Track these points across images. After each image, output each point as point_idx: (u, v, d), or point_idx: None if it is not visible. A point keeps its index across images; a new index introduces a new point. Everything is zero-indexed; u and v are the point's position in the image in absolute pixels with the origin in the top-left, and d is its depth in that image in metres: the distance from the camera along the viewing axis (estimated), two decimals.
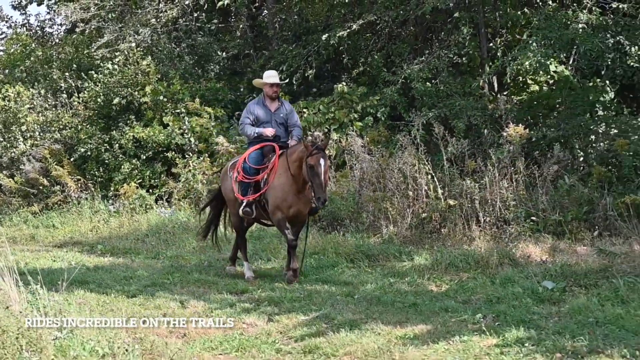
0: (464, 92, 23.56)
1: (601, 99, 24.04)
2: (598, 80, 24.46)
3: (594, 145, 22.56)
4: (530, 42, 22.91)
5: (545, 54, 22.34)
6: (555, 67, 23.18)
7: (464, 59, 25.49)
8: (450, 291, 16.02)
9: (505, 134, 20.90)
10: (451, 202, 20.13)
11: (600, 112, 23.78)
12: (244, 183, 17.18)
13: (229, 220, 19.18)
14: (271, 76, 17.47)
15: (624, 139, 22.06)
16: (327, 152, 16.50)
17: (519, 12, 25.29)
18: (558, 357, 11.90)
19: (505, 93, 24.44)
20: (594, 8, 24.27)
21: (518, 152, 20.54)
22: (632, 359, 11.58)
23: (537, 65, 22.26)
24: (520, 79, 24.88)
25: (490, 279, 16.45)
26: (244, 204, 17.10)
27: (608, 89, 24.40)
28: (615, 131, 22.76)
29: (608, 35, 23.20)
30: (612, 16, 23.93)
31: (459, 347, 12.47)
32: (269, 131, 17.18)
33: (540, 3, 25.13)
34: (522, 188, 20.16)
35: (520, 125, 20.97)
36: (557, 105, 23.61)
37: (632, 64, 22.96)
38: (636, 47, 22.96)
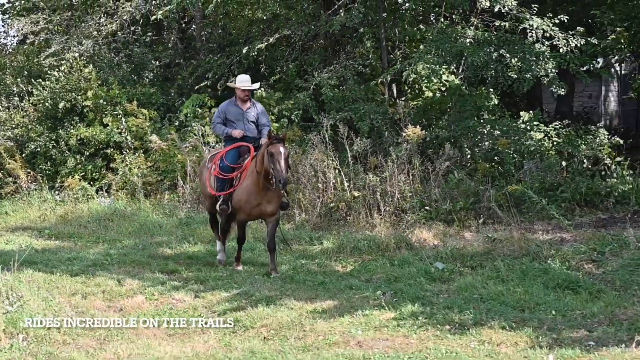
0: (367, 97, 23.69)
1: (486, 104, 24.27)
2: (483, 88, 24.69)
3: (479, 144, 22.81)
4: (425, 53, 23.22)
5: (438, 63, 22.64)
6: (447, 76, 23.48)
7: (367, 68, 25.61)
8: (354, 271, 16.18)
9: (403, 134, 21.14)
10: (355, 193, 20.28)
11: (486, 116, 24.00)
12: (220, 179, 16.50)
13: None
14: (243, 81, 16.80)
15: (505, 139, 22.48)
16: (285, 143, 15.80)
17: (415, 28, 25.54)
18: (447, 328, 12.15)
19: (403, 99, 24.54)
20: (479, 25, 24.66)
21: (414, 150, 20.72)
22: (510, 330, 11.90)
23: (430, 72, 22.55)
24: (416, 87, 25.13)
25: (389, 261, 16.59)
26: (221, 199, 16.41)
27: (492, 95, 24.71)
28: (498, 132, 23.07)
29: (492, 49, 23.46)
30: (495, 32, 24.27)
31: (362, 320, 12.68)
32: (236, 132, 16.49)
33: (434, 20, 25.41)
34: (417, 181, 20.31)
35: (416, 126, 21.22)
36: (448, 110, 23.81)
37: (511, 74, 23.33)
38: (515, 59, 23.31)
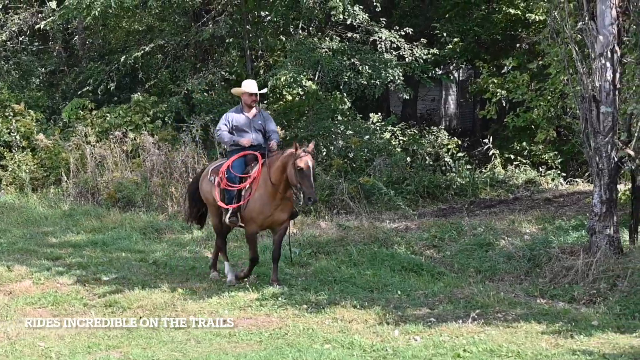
0: (234, 101, 23.66)
1: (340, 107, 24.49)
2: (338, 92, 24.88)
3: (334, 143, 22.98)
4: (285, 62, 23.32)
5: (297, 71, 22.76)
6: (306, 82, 23.59)
7: (233, 75, 25.61)
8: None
9: None
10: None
11: (340, 118, 24.21)
12: (228, 191, 13.99)
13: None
14: (250, 85, 14.55)
15: (357, 138, 22.73)
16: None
17: (276, 39, 25.61)
18: (304, 307, 12.21)
19: (265, 102, 24.67)
20: (334, 36, 24.86)
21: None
22: (361, 309, 12.01)
23: (292, 80, 22.69)
24: (277, 91, 25.18)
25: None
26: (230, 212, 13.92)
27: (345, 99, 24.93)
28: (351, 132, 23.33)
29: (345, 58, 23.74)
30: (348, 43, 24.51)
31: (228, 301, 12.69)
32: (245, 141, 14.09)
33: (293, 32, 25.49)
34: None
35: (277, 127, 21.30)
36: (307, 112, 23.94)
37: (363, 81, 23.59)
38: (366, 67, 23.58)
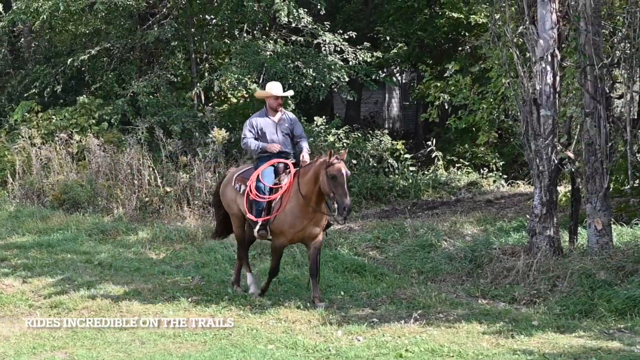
0: (179, 103, 23.64)
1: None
2: None
3: None
4: (230, 64, 23.30)
5: (242, 73, 22.76)
6: (250, 84, 23.58)
7: (178, 78, 25.54)
8: (166, 258, 16.10)
9: (210, 136, 21.17)
10: (168, 189, 20.17)
11: None
12: (257, 202, 12.90)
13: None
14: (276, 88, 13.42)
15: None
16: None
17: (221, 42, 25.56)
18: (248, 308, 12.27)
19: (211, 104, 24.61)
20: (278, 39, 24.88)
21: (220, 150, 20.81)
22: (304, 309, 12.09)
23: (237, 82, 22.69)
24: (222, 93, 25.14)
25: (198, 249, 16.58)
26: (259, 225, 12.84)
27: (290, 102, 24.96)
28: None
29: (289, 61, 23.78)
30: (292, 46, 24.55)
31: (173, 302, 12.72)
32: (274, 147, 13.03)
33: (237, 35, 25.47)
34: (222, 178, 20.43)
35: (222, 129, 21.25)
36: (251, 114, 23.80)
37: (307, 83, 23.65)
38: (310, 70, 23.63)
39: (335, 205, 12.27)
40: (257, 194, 12.82)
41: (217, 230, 14.65)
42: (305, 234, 12.73)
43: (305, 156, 13.01)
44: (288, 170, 12.93)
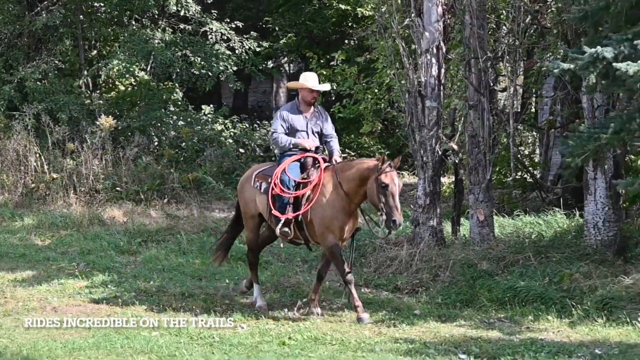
0: (67, 90, 23.30)
1: (172, 97, 24.43)
2: (170, 83, 24.81)
3: (166, 133, 22.91)
4: (118, 52, 23.09)
5: (130, 61, 22.58)
6: (138, 72, 23.41)
7: (67, 64, 25.17)
8: (51, 245, 15.95)
9: (97, 123, 20.94)
10: (54, 175, 19.92)
11: (172, 108, 24.14)
12: (281, 198, 11.53)
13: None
14: (312, 79, 12.06)
15: (188, 128, 22.70)
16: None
17: (109, 30, 25.28)
18: (133, 295, 12.23)
19: (98, 92, 24.35)
20: (167, 28, 24.74)
21: (107, 137, 20.59)
22: (189, 297, 12.15)
23: (124, 70, 22.50)
24: (110, 81, 24.88)
25: (83, 236, 16.46)
26: (282, 222, 11.45)
27: (177, 90, 24.87)
28: (182, 122, 23.30)
29: (177, 49, 23.70)
30: (180, 34, 24.45)
31: (58, 288, 12.59)
32: (308, 143, 11.78)
33: (126, 22, 25.23)
34: (109, 165, 20.17)
35: (109, 117, 21.04)
36: (139, 102, 23.76)
37: (195, 71, 23.61)
38: (198, 59, 23.58)
39: (383, 217, 11.00)
40: (282, 188, 11.49)
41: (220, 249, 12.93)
42: (345, 232, 11.47)
43: (336, 158, 11.88)
44: (317, 165, 11.64)
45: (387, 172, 10.94)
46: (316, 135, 11.96)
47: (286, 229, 11.42)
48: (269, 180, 11.66)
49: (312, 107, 12.01)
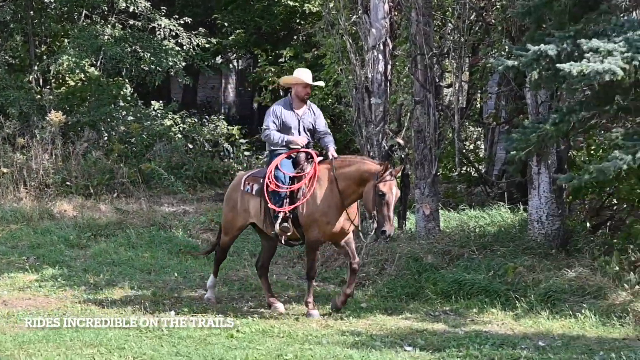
0: (17, 85, 23.14)
1: (122, 93, 24.36)
2: (120, 78, 24.72)
3: (115, 128, 22.87)
4: (68, 47, 22.99)
5: (80, 57, 22.50)
6: (87, 68, 23.33)
7: (16, 60, 25.03)
8: (1, 238, 15.81)
9: (47, 118, 20.86)
10: (5, 170, 19.81)
11: (122, 103, 24.07)
12: (277, 194, 11.27)
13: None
14: (306, 75, 11.80)
15: (138, 123, 22.69)
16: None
17: (59, 25, 25.15)
18: (83, 289, 12.28)
19: (49, 87, 24.21)
20: (116, 24, 24.69)
21: (57, 132, 20.53)
22: (138, 290, 12.19)
23: (74, 65, 22.41)
24: (60, 76, 24.74)
25: (34, 230, 16.37)
26: (280, 218, 11.20)
27: (127, 85, 24.80)
28: (132, 118, 23.27)
29: (127, 45, 23.65)
30: (130, 30, 24.40)
31: (7, 282, 12.61)
32: (300, 139, 11.50)
33: (76, 18, 25.13)
34: (59, 160, 20.12)
35: (59, 112, 20.96)
36: (89, 97, 23.67)
37: (144, 67, 23.59)
38: (148, 55, 23.56)
39: (374, 225, 10.90)
40: (277, 183, 11.27)
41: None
42: (337, 230, 11.22)
43: (330, 148, 11.58)
44: (311, 159, 11.40)
45: (387, 180, 10.68)
46: (308, 133, 11.70)
47: (285, 224, 11.18)
48: (261, 182, 11.46)
49: (304, 104, 11.78)
